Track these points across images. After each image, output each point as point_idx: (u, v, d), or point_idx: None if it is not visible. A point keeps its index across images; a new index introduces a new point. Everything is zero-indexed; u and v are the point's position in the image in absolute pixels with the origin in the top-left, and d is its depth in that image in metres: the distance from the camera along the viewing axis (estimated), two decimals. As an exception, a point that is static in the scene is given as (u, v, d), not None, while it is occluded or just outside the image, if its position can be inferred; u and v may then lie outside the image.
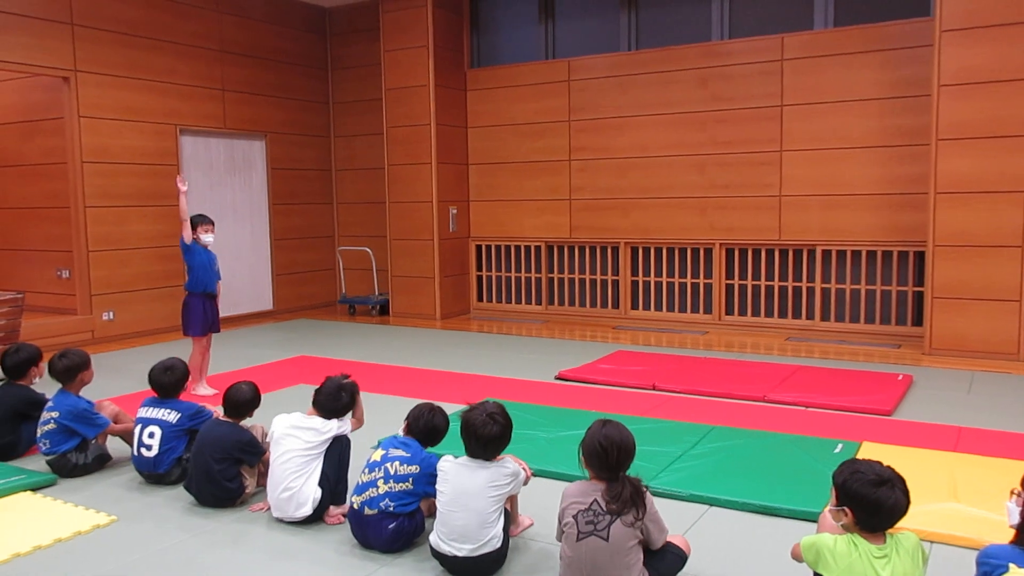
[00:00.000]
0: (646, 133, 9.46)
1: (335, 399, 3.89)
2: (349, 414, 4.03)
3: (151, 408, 4.38)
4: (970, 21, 7.24)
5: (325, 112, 11.66)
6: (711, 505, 3.97)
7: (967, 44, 7.26)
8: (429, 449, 3.64)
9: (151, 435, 4.26)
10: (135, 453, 4.34)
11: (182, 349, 6.59)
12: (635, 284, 9.78)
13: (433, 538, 3.30)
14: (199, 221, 6.35)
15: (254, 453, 4.09)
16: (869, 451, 4.53)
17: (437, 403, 3.76)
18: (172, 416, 4.31)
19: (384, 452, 3.56)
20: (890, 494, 2.41)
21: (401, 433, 3.65)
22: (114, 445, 4.77)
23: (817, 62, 8.50)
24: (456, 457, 3.35)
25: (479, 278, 10.84)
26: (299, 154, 11.27)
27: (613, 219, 9.71)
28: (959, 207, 7.38)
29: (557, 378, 6.84)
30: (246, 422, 4.20)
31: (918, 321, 8.14)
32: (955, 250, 7.42)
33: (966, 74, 7.27)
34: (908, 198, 8.08)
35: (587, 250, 10.05)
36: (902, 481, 2.46)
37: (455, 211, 10.44)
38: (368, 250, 11.04)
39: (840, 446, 4.61)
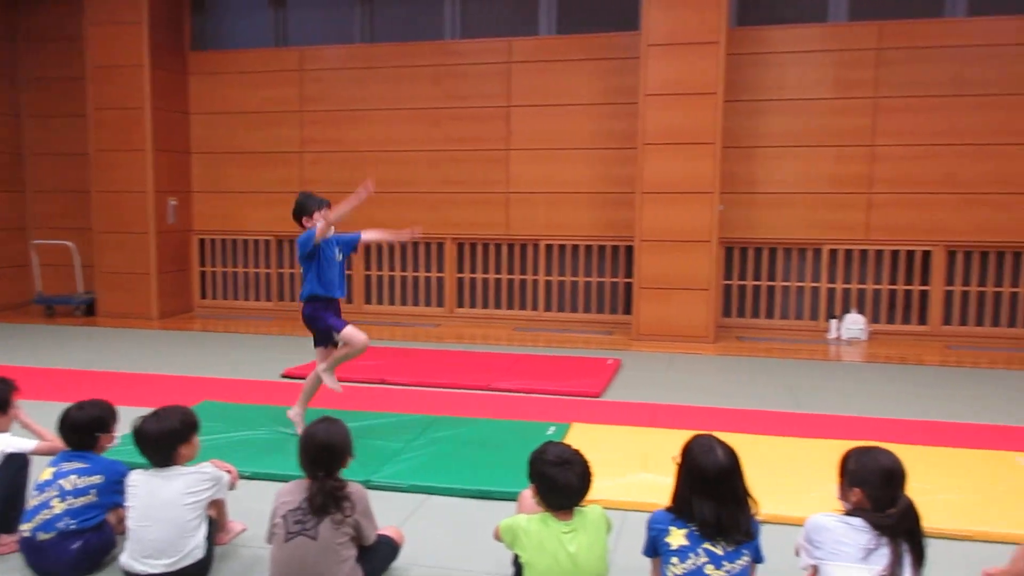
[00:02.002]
0: (381, 127, 9.41)
1: None
2: (29, 434, 3.57)
3: None
4: (670, 38, 8.01)
5: (12, 89, 10.25)
6: (430, 494, 4.02)
7: (667, 58, 8.03)
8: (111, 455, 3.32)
9: None
10: None
11: None
12: (368, 278, 9.71)
13: (124, 559, 3.00)
14: (316, 205, 4.66)
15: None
16: (578, 431, 4.85)
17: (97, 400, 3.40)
18: None
19: (55, 469, 3.18)
20: (563, 474, 2.58)
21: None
22: None
23: (542, 66, 8.96)
24: (147, 469, 3.08)
25: (203, 274, 10.16)
26: (-19, 134, 9.83)
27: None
28: (661, 206, 8.15)
29: (283, 376, 6.59)
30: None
31: (628, 309, 8.88)
32: (657, 244, 8.20)
33: (667, 85, 8.05)
34: (620, 197, 8.77)
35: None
36: (582, 464, 2.63)
37: (175, 202, 9.69)
38: (70, 244, 9.87)
39: (552, 428, 4.89)
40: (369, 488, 3.86)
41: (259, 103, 9.68)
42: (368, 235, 5.14)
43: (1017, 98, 7.93)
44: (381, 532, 3.07)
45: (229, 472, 3.26)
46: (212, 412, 5.23)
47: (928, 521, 3.54)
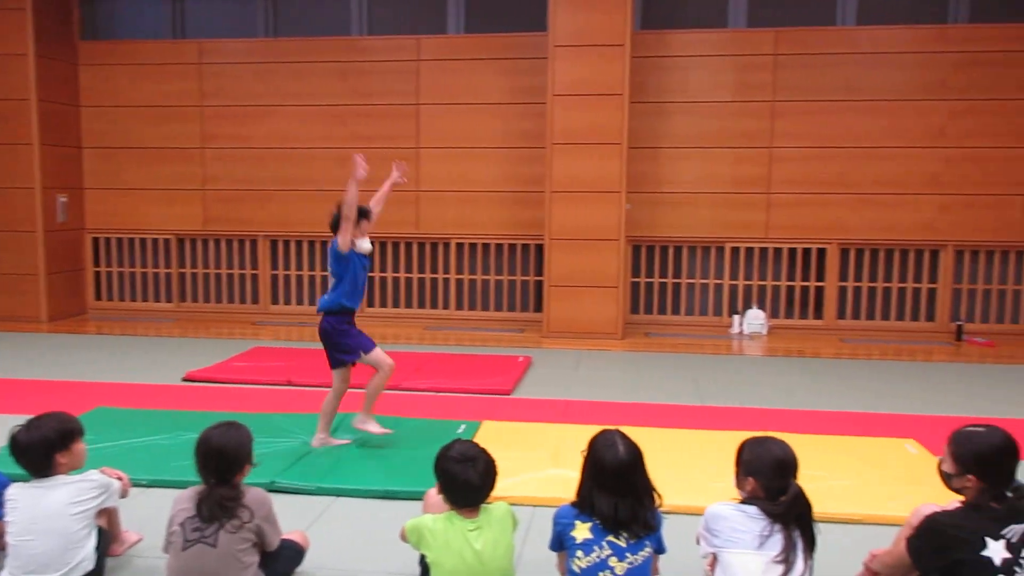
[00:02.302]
0: (286, 124, 9.19)
1: None
2: None
3: None
4: (577, 39, 8.10)
5: None
6: (338, 496, 3.94)
7: (574, 59, 8.12)
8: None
9: None
10: None
11: None
12: (275, 278, 9.48)
13: (4, 576, 2.83)
14: (359, 216, 4.48)
15: None
16: (489, 429, 4.85)
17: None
18: None
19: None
20: (464, 471, 2.57)
21: None
22: None
23: (451, 64, 8.93)
24: (28, 480, 2.92)
25: (97, 274, 9.70)
26: None
27: (251, 211, 9.30)
28: (570, 205, 8.24)
29: (185, 380, 6.35)
30: None
31: (538, 307, 8.94)
32: (567, 243, 8.28)
33: (574, 86, 8.14)
34: (530, 196, 8.82)
35: (223, 243, 9.51)
36: (485, 462, 2.61)
37: (65, 199, 9.21)
38: (-50, 243, 9.27)
39: (463, 427, 4.87)
40: (274, 491, 3.78)
41: (156, 96, 9.30)
42: (375, 210, 4.83)
43: (902, 103, 8.37)
44: (286, 537, 2.99)
45: (120, 479, 3.11)
46: (106, 419, 5.01)
47: (822, 506, 3.68)
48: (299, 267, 9.42)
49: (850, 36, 8.47)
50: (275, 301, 9.50)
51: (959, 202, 8.41)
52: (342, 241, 4.39)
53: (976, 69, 8.24)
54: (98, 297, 9.71)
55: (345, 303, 4.48)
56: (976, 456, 2.45)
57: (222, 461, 2.74)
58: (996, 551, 2.32)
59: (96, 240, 9.64)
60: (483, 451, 2.66)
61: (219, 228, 9.40)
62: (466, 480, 2.56)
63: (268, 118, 9.21)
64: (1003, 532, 2.34)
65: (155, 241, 9.57)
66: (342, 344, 4.51)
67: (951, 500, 2.60)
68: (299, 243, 9.38)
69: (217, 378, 6.33)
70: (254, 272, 9.50)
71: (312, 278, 9.42)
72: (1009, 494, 2.44)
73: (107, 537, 3.06)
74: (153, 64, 9.28)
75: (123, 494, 3.12)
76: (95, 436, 4.16)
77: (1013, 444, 2.46)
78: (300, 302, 9.45)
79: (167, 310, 9.58)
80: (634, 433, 2.70)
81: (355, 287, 4.50)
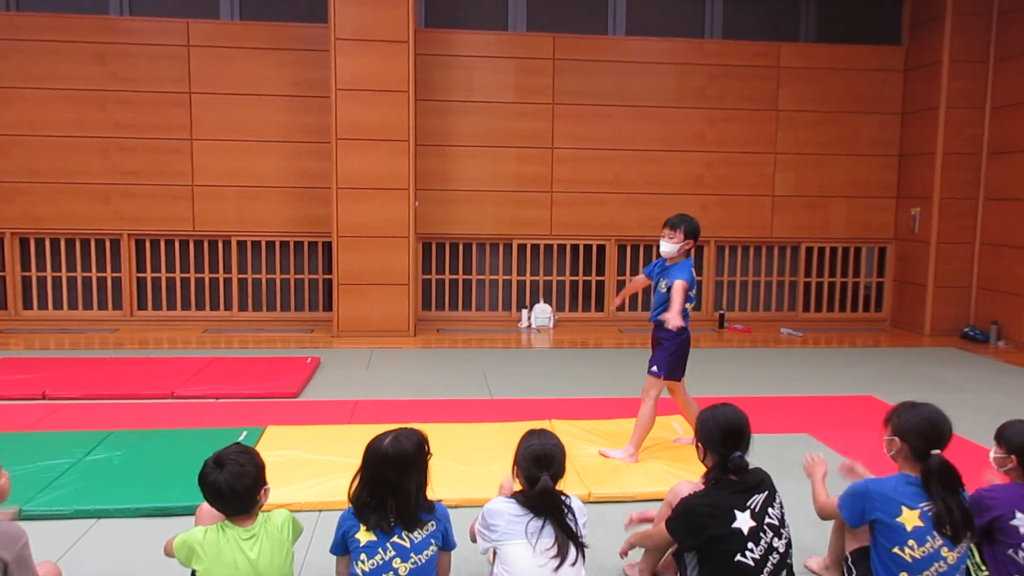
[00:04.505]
0: (34, 108, 8.27)
1: None
2: None
3: None
4: (359, 33, 7.96)
5: None
6: (99, 518, 3.60)
7: (358, 53, 7.97)
8: None
9: None
10: None
11: None
12: (26, 280, 8.50)
13: None
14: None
15: None
16: (273, 434, 4.65)
17: None
18: None
19: None
20: (215, 476, 2.42)
21: None
22: None
23: (225, 52, 8.45)
24: None
25: None
26: None
27: (-6, 206, 8.29)
28: (357, 201, 8.10)
29: None
30: None
31: (328, 306, 8.72)
32: (355, 240, 8.13)
33: (358, 81, 7.99)
34: (316, 192, 8.57)
35: (-40, 243, 8.39)
36: (235, 470, 2.43)
37: None
38: None
39: (244, 433, 4.63)
40: (23, 520, 3.41)
41: None
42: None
43: (667, 110, 9.03)
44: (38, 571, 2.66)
45: None
46: None
47: (597, 486, 3.90)
48: (55, 268, 8.52)
49: (620, 45, 9.00)
50: (27, 306, 8.53)
51: (718, 202, 9.21)
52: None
53: (729, 81, 9.06)
54: None
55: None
56: (703, 431, 2.72)
57: None
58: (744, 521, 2.55)
59: None
60: (243, 454, 2.48)
61: (-46, 225, 8.29)
62: (213, 483, 2.41)
63: (12, 102, 8.24)
64: (748, 503, 2.58)
65: None
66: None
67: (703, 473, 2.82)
68: (55, 241, 8.48)
69: (-48, 396, 5.57)
70: (1, 274, 8.46)
71: (72, 279, 8.55)
72: (731, 466, 2.64)
73: None
74: None
75: None
76: None
77: (735, 421, 2.70)
78: (58, 306, 8.55)
79: None
80: (424, 430, 2.67)
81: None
